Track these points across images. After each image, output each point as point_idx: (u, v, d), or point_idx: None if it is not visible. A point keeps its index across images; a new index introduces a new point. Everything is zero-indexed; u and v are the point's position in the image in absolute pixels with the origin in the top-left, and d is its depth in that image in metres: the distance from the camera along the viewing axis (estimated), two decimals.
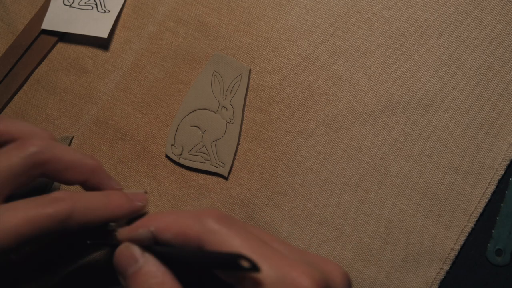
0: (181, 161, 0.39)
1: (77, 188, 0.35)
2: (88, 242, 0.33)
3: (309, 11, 0.41)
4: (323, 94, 0.40)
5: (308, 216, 0.37)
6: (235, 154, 0.39)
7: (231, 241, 0.25)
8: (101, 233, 0.33)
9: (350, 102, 0.39)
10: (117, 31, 0.43)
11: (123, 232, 0.28)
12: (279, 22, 0.41)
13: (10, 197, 0.31)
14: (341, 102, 0.39)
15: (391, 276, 0.35)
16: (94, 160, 0.34)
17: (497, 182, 0.36)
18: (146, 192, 0.38)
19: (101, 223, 0.32)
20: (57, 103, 0.42)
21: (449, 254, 0.35)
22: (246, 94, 0.40)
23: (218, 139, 0.39)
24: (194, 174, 0.39)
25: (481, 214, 0.36)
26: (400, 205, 0.37)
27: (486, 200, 0.36)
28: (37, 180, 0.33)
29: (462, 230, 0.36)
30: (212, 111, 0.39)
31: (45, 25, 0.43)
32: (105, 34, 0.42)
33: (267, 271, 0.24)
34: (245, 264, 0.22)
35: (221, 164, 0.39)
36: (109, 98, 0.42)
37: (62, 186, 0.39)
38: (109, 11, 0.43)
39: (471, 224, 0.36)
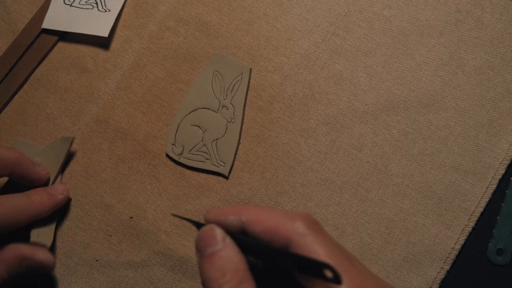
0: (182, 160, 0.39)
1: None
2: (173, 215, 0.37)
3: (309, 10, 0.41)
4: (323, 94, 0.40)
5: None
6: (235, 154, 0.39)
7: (318, 248, 0.25)
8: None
9: (351, 101, 0.39)
10: (117, 30, 0.43)
11: (212, 214, 0.28)
12: (279, 21, 0.41)
13: None
14: (342, 102, 0.39)
15: (392, 276, 0.35)
16: (16, 152, 0.36)
17: (497, 181, 0.36)
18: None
19: (28, 222, 0.35)
20: (58, 102, 0.42)
21: (449, 253, 0.35)
22: (246, 94, 0.40)
23: (218, 138, 0.39)
24: (195, 173, 0.39)
25: (482, 214, 0.36)
26: (401, 204, 0.37)
27: (487, 200, 0.36)
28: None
29: (463, 229, 0.36)
30: (212, 110, 0.39)
31: (46, 25, 0.43)
32: (105, 33, 0.42)
33: (346, 285, 0.24)
34: (329, 274, 0.23)
35: (222, 163, 0.39)
36: (109, 98, 0.41)
37: None
38: (109, 10, 0.43)
39: (472, 224, 0.36)
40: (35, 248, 0.34)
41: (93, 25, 0.42)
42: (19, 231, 0.35)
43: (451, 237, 0.36)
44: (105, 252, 0.38)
